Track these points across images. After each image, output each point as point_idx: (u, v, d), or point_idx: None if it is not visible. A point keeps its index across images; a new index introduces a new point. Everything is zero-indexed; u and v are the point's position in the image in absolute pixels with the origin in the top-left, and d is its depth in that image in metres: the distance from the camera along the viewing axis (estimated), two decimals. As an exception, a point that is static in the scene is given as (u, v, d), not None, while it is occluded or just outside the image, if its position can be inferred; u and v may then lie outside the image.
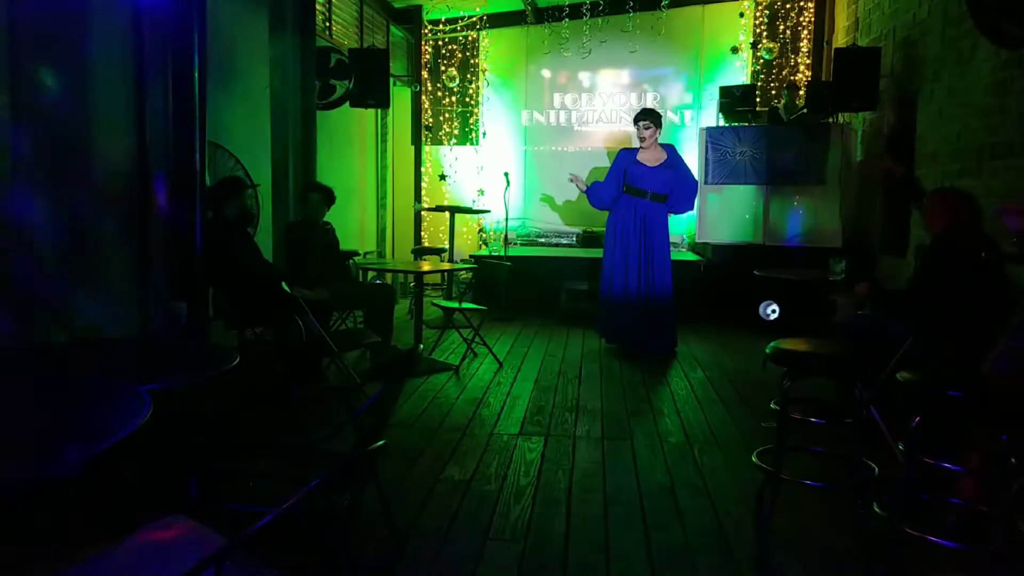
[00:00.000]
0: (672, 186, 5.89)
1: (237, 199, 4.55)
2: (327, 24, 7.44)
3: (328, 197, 5.23)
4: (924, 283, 3.73)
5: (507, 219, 7.96)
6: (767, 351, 2.84)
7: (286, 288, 4.37)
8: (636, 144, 6.00)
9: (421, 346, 5.53)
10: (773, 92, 8.69)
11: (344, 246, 5.84)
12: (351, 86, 6.91)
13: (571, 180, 6.06)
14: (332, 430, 2.61)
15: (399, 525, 2.75)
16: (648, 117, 5.87)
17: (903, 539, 2.32)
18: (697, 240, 7.99)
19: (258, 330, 4.89)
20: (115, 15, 3.78)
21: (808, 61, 8.73)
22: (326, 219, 5.34)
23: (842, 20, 8.30)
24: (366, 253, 8.45)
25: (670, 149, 5.97)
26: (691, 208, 6.20)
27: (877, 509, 2.49)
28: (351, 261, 6.35)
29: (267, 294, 4.33)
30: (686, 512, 3.04)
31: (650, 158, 5.89)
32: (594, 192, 6.03)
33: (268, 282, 4.38)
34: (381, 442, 1.95)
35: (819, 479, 2.91)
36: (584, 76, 9.36)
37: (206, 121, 4.12)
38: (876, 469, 2.77)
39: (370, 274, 7.09)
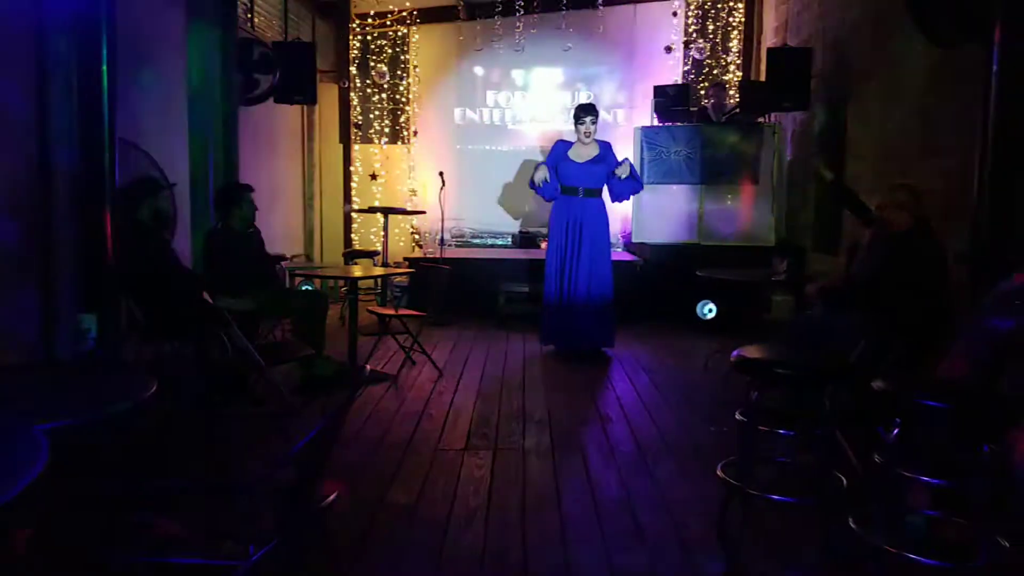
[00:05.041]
0: (606, 179, 5.80)
1: (151, 200, 4.22)
2: (249, 16, 7.04)
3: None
4: (879, 276, 3.72)
5: (443, 220, 7.71)
6: (733, 361, 2.71)
7: (207, 298, 4.04)
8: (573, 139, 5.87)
9: (368, 367, 5.21)
10: (701, 92, 8.72)
11: (269, 249, 5.49)
12: (276, 81, 6.55)
13: (534, 186, 5.84)
14: (267, 469, 2.35)
15: (339, 558, 2.50)
16: (594, 112, 5.79)
17: (881, 557, 2.22)
18: (634, 240, 7.92)
19: (177, 344, 4.51)
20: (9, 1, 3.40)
21: (738, 61, 8.79)
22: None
23: (771, 20, 8.37)
24: (293, 257, 8.06)
25: (604, 145, 5.86)
26: (634, 192, 6.01)
27: (852, 524, 2.39)
28: (279, 265, 5.99)
29: (186, 304, 3.99)
30: (647, 530, 2.89)
31: (582, 153, 5.78)
32: (544, 189, 5.83)
33: (187, 291, 4.05)
34: (333, 495, 1.72)
35: (783, 491, 2.80)
36: (517, 74, 9.19)
37: (116, 118, 3.77)
38: (844, 481, 2.68)
39: (298, 279, 6.73)
